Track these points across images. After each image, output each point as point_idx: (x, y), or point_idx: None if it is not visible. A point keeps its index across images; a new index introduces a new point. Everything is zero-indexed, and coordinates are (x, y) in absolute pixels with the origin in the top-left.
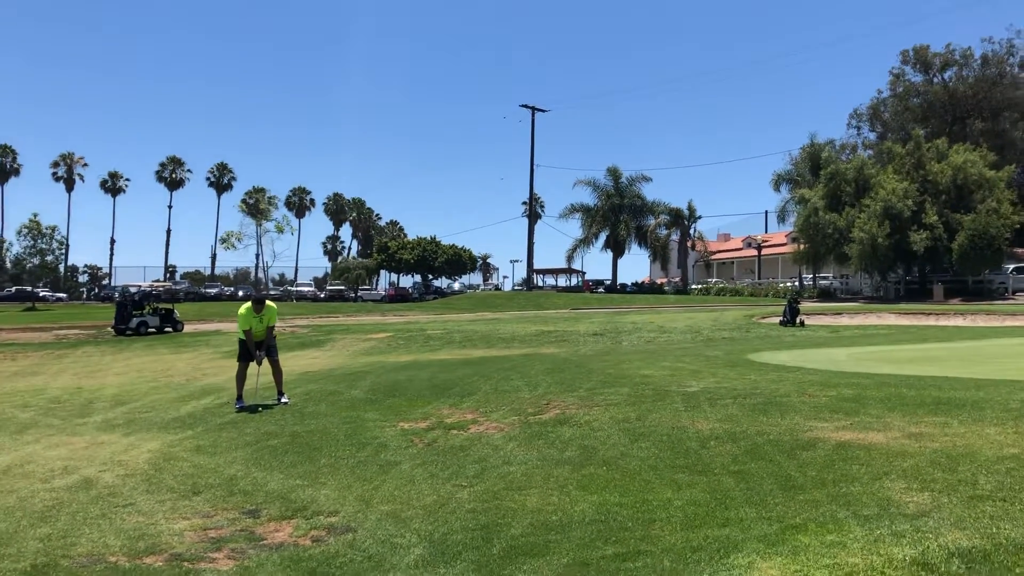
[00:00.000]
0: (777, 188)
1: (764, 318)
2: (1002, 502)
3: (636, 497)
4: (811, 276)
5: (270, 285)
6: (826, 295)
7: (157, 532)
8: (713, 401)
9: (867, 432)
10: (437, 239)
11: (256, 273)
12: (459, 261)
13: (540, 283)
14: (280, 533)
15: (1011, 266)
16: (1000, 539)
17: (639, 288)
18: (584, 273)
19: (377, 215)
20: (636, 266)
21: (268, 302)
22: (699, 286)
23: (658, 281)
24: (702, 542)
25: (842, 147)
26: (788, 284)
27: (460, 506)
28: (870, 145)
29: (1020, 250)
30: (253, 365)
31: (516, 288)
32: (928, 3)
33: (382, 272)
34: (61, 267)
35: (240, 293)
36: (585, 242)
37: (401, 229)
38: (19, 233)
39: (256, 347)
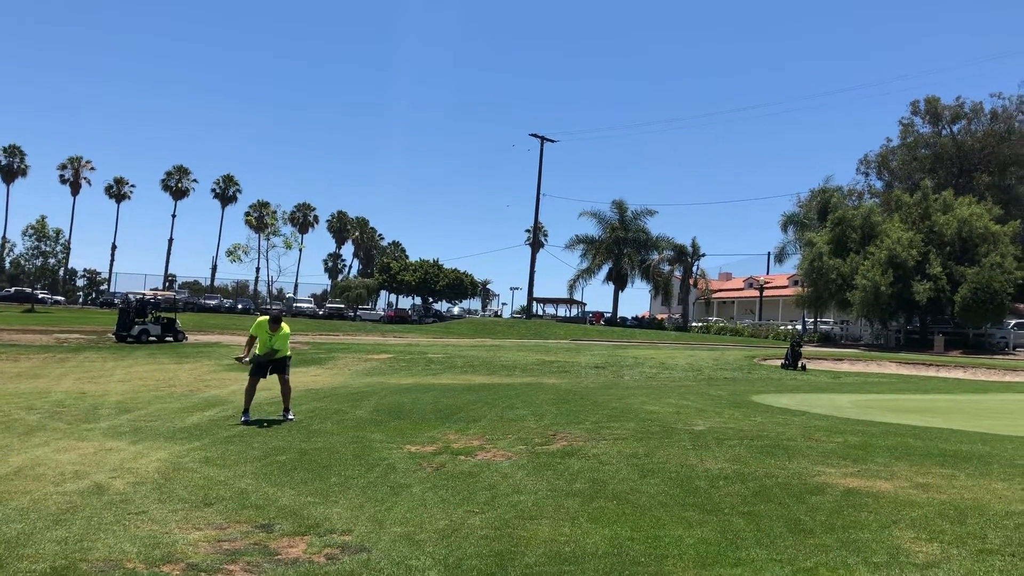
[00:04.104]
0: (785, 229)
1: (765, 359)
2: (1011, 557)
3: (647, 533)
4: (813, 320)
5: (268, 300)
6: (827, 340)
7: (172, 541)
8: (720, 441)
9: (875, 480)
10: (439, 262)
11: (255, 286)
12: (460, 286)
13: (540, 312)
14: (294, 549)
15: (1012, 321)
16: None
17: (639, 322)
18: (584, 304)
19: (380, 235)
20: (636, 300)
21: (284, 325)
22: (699, 324)
23: (658, 316)
24: None
25: (849, 192)
26: (789, 327)
27: (473, 532)
28: (876, 193)
29: (1022, 305)
30: (263, 380)
31: (515, 316)
32: (942, 56)
33: (382, 292)
34: (61, 270)
35: (239, 306)
36: (588, 272)
37: (403, 250)
38: (24, 233)
39: (250, 354)
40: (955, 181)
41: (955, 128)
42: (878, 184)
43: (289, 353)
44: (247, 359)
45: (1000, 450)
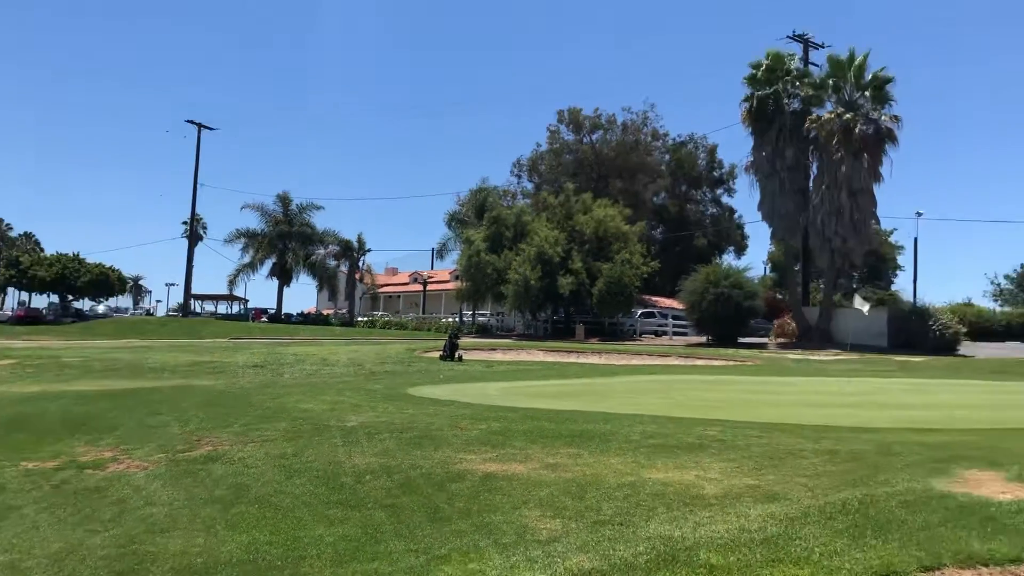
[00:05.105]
0: (449, 226)
1: (426, 352)
2: (619, 526)
3: (287, 535)
4: (471, 313)
5: None
6: (484, 331)
7: None
8: (371, 436)
9: (511, 463)
10: (80, 256)
11: None
12: (106, 282)
13: (199, 309)
14: None
15: (640, 311)
16: (615, 559)
17: (305, 319)
18: (247, 300)
19: (8, 225)
20: (303, 295)
21: None
22: (366, 319)
23: (325, 312)
24: None
25: (504, 193)
26: (450, 319)
27: (91, 553)
28: (528, 194)
29: (648, 296)
30: None
31: (171, 314)
32: (586, 64)
33: (10, 290)
34: None
35: None
36: (250, 267)
37: (37, 243)
38: None
39: None
40: (594, 185)
41: (594, 137)
42: (529, 186)
43: None
44: None
45: (619, 427)
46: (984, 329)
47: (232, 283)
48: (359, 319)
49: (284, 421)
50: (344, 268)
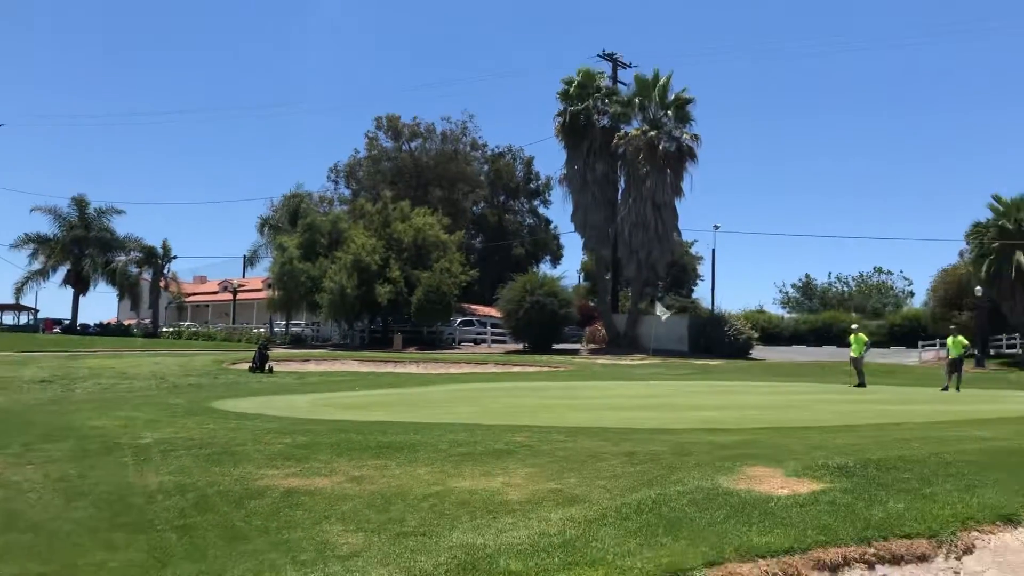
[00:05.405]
0: (262, 232)
1: (235, 364)
2: (422, 536)
3: (63, 563)
4: (285, 323)
5: None
6: (298, 341)
7: None
8: (166, 453)
9: (314, 478)
10: None
11: None
12: None
13: None
14: None
15: (459, 319)
16: (416, 571)
17: (104, 329)
18: (37, 310)
19: None
20: (103, 305)
21: None
22: (171, 329)
23: (126, 322)
24: None
25: (321, 199)
26: (262, 330)
27: None
28: (345, 201)
29: (467, 305)
30: None
31: None
32: (402, 76)
33: None
34: None
35: None
36: (40, 275)
37: None
38: None
39: None
40: (413, 193)
41: (413, 145)
42: (347, 192)
43: None
44: None
45: (429, 437)
46: (774, 334)
47: (19, 292)
48: (164, 330)
49: (70, 440)
50: (148, 276)
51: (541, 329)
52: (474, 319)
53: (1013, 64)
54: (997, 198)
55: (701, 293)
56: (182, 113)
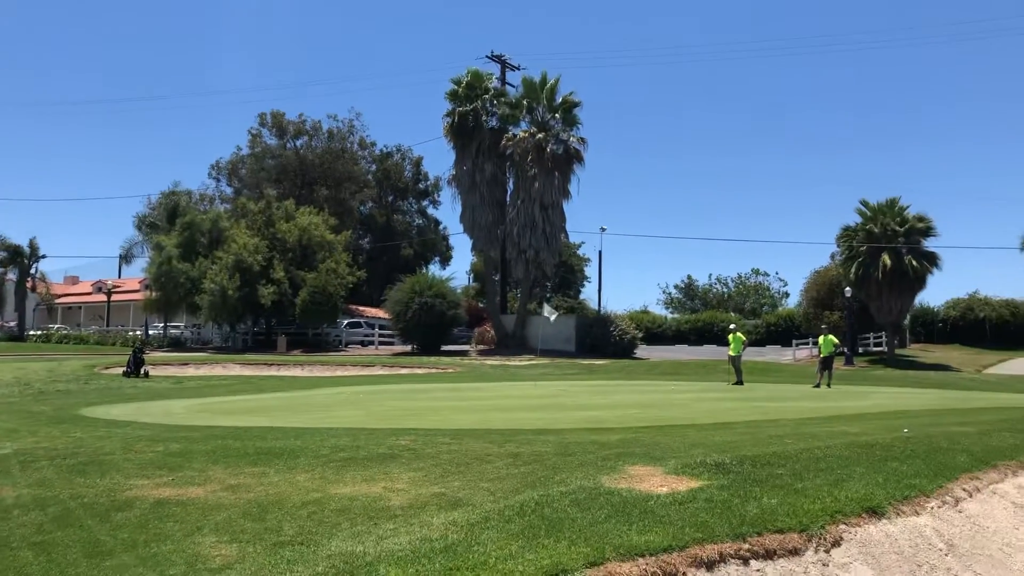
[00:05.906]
0: (139, 229)
1: (107, 368)
2: (300, 546)
3: None
4: (163, 325)
5: None
6: (177, 344)
7: None
8: (26, 464)
9: (188, 487)
10: None
11: None
12: None
13: None
14: None
15: (346, 320)
16: None
17: None
18: None
19: None
20: None
21: None
22: (39, 332)
23: None
24: None
25: (201, 197)
26: (139, 332)
27: None
28: (227, 199)
29: (355, 307)
30: None
31: None
32: (288, 72)
33: None
34: None
35: None
36: None
37: None
38: None
39: None
40: (299, 192)
41: (299, 143)
42: (229, 191)
43: None
44: None
45: (310, 443)
46: (658, 334)
47: None
48: (31, 333)
49: None
50: (13, 276)
51: (430, 330)
52: (362, 321)
53: (873, 74)
54: (865, 203)
55: (588, 294)
56: (53, 105)
